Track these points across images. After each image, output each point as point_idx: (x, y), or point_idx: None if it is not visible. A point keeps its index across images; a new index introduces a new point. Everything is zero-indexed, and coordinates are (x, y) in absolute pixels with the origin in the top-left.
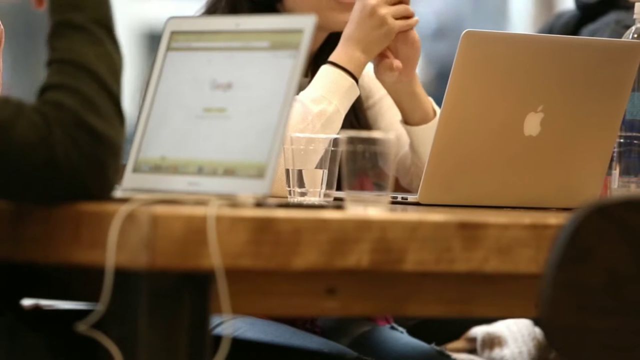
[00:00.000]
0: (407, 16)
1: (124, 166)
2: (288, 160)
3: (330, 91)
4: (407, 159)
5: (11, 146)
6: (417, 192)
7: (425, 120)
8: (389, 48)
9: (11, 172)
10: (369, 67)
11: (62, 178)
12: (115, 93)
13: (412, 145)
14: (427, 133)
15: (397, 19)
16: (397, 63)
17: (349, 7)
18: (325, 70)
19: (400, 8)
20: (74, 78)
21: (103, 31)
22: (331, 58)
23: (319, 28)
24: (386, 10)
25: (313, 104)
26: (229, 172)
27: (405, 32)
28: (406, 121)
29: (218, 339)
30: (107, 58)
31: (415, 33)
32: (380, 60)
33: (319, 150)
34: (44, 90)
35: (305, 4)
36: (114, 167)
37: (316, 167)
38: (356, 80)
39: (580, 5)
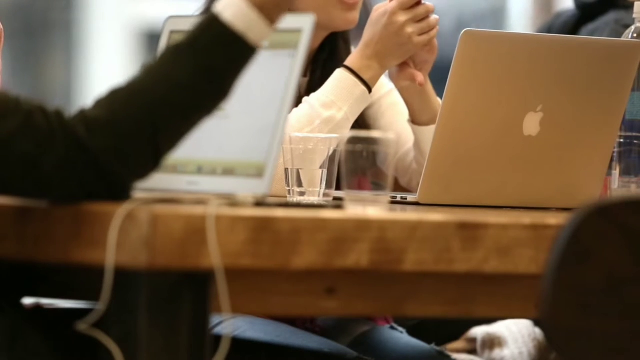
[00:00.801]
0: (431, 28)
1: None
2: (287, 160)
3: (341, 98)
4: (407, 157)
5: (7, 166)
6: (416, 191)
7: (433, 120)
8: None
9: (6, 188)
10: None
11: (56, 198)
12: (161, 144)
13: (417, 145)
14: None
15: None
16: (420, 79)
17: (353, 6)
18: (339, 74)
19: (424, 25)
20: (131, 104)
21: (207, 84)
22: (347, 63)
23: (321, 27)
24: (412, 29)
25: (323, 108)
26: (228, 171)
27: None
28: (414, 120)
29: (218, 338)
30: (185, 109)
31: (435, 40)
32: (402, 68)
33: (323, 150)
34: (112, 90)
35: (310, 3)
36: (110, 199)
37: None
38: (369, 89)
39: (579, 5)
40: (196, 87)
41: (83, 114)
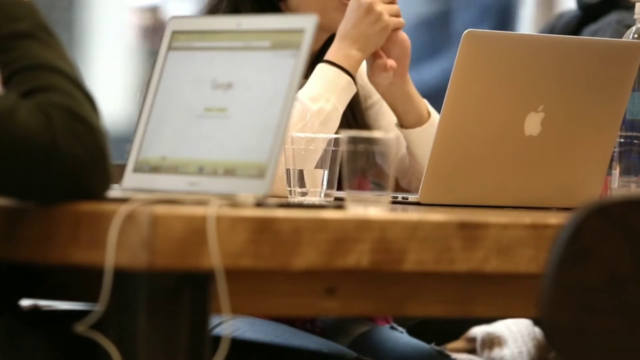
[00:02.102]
0: (397, 15)
1: (122, 166)
2: (289, 160)
3: (327, 89)
4: (406, 159)
5: (14, 133)
6: (417, 192)
7: (420, 122)
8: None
9: (14, 159)
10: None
11: (64, 167)
12: (87, 88)
13: (408, 148)
14: (422, 135)
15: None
16: (390, 62)
17: None
18: (321, 68)
19: (393, 7)
20: (49, 78)
21: (48, 35)
22: (327, 57)
23: (322, 29)
24: (382, 7)
25: (311, 102)
26: (230, 172)
27: (394, 33)
28: (401, 124)
29: (217, 339)
30: (65, 57)
31: (403, 33)
32: (373, 60)
33: (318, 150)
34: (24, 96)
35: (310, 4)
36: (111, 158)
37: (317, 167)
38: (353, 77)
39: (582, 6)
40: (49, 40)
41: (50, 101)
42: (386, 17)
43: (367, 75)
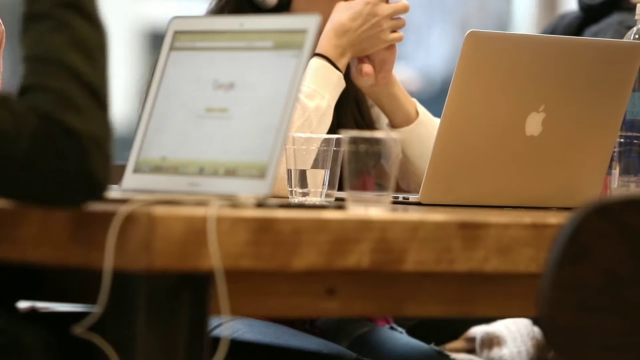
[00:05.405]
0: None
1: (122, 166)
2: (290, 160)
3: (321, 85)
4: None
5: None
6: (417, 192)
7: (407, 122)
8: None
9: None
10: None
11: (40, 181)
12: (93, 82)
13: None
14: (410, 135)
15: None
16: (366, 69)
17: None
18: (315, 63)
19: (399, 23)
20: (46, 75)
21: (71, 12)
22: (322, 51)
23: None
24: (388, 25)
25: (308, 99)
26: (230, 172)
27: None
28: (391, 124)
29: (216, 340)
30: (79, 43)
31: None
32: (356, 62)
33: (325, 150)
34: (21, 93)
35: (313, 5)
36: (100, 162)
37: (318, 167)
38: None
39: (583, 7)
40: (69, 21)
41: (34, 106)
42: (387, 35)
43: (350, 74)
